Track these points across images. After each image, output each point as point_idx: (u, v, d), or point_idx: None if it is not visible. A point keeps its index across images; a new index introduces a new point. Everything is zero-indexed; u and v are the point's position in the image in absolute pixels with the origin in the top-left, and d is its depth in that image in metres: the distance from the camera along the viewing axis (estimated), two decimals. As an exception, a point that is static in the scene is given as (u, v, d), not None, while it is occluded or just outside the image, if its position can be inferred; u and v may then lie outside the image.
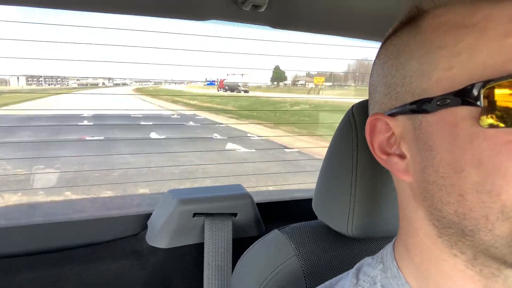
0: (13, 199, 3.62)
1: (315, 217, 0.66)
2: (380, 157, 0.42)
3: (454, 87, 0.33)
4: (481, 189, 0.32)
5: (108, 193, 4.19)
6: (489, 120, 0.31)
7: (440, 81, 0.35)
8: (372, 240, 0.63)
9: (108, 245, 1.01)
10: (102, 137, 7.49)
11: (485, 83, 0.31)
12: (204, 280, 0.94)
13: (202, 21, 0.79)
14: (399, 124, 0.39)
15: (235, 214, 1.00)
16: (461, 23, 0.35)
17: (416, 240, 0.41)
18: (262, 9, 0.73)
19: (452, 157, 0.34)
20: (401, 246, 0.44)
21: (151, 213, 1.05)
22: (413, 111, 0.37)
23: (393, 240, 0.47)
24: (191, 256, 1.01)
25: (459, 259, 0.37)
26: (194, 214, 0.96)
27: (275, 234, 0.66)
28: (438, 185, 0.36)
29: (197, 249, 1.00)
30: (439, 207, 0.36)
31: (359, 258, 0.49)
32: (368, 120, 0.42)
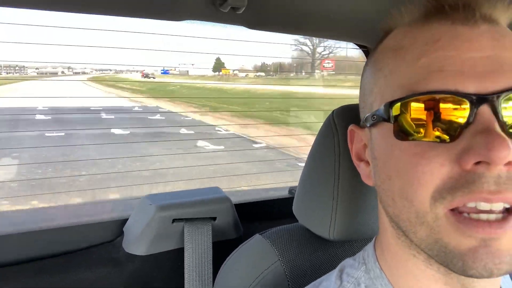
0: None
1: (289, 216, 0.66)
2: (355, 163, 0.47)
3: (381, 105, 0.38)
4: (402, 195, 0.36)
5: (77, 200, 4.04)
6: (400, 134, 0.36)
7: (375, 100, 0.40)
8: (353, 242, 0.64)
9: (83, 253, 0.97)
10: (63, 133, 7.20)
11: (392, 102, 0.36)
12: (185, 285, 0.93)
13: (178, 21, 0.78)
14: (365, 134, 0.44)
15: (214, 218, 0.99)
16: (394, 46, 0.39)
17: (386, 240, 0.44)
18: (240, 11, 0.73)
19: (384, 165, 0.39)
20: (379, 245, 0.46)
21: (127, 219, 1.02)
22: (366, 125, 0.42)
23: (373, 240, 0.49)
24: (170, 262, 0.99)
25: (418, 259, 0.40)
26: (173, 220, 0.94)
27: (257, 239, 0.65)
28: (381, 189, 0.40)
29: (176, 255, 0.98)
30: (385, 208, 0.41)
31: (341, 260, 0.50)
32: (348, 131, 0.47)
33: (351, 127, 0.47)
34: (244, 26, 0.83)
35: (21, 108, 9.56)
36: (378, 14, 0.89)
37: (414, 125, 0.35)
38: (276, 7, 0.78)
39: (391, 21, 0.42)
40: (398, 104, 0.36)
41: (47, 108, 9.65)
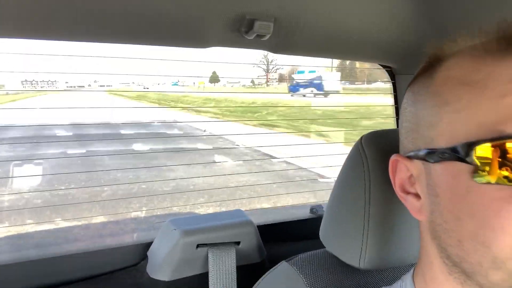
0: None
1: (312, 237, 0.65)
2: (400, 195, 0.44)
3: (453, 142, 0.36)
4: (475, 238, 0.34)
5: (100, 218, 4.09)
6: (480, 177, 0.33)
7: (443, 135, 0.37)
8: (383, 270, 0.62)
9: (107, 278, 0.97)
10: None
11: (475, 143, 0.33)
12: None
13: (204, 48, 0.79)
14: (415, 166, 0.42)
15: (238, 242, 0.98)
16: (465, 79, 0.36)
17: (432, 274, 0.42)
18: (266, 38, 0.73)
19: (452, 205, 0.36)
20: (420, 277, 0.45)
21: (151, 242, 1.02)
22: (422, 158, 0.39)
23: (411, 270, 0.47)
24: (194, 287, 0.98)
25: None
26: (198, 245, 0.94)
27: (283, 266, 0.64)
28: (442, 228, 0.38)
29: (201, 279, 0.97)
30: (444, 247, 0.39)
31: None
32: (391, 160, 0.45)
33: (394, 157, 0.44)
34: (269, 51, 0.83)
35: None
36: (402, 36, 0.89)
37: (499, 168, 0.33)
38: (301, 32, 0.78)
39: (442, 49, 0.40)
40: (485, 145, 0.33)
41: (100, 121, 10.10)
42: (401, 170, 0.43)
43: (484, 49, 0.37)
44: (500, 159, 0.32)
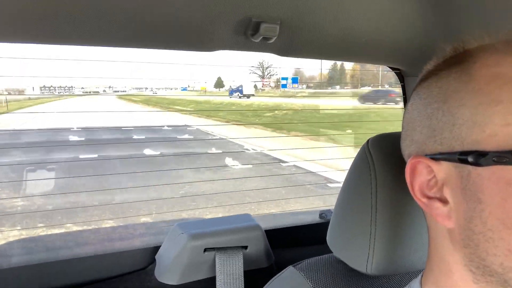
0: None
1: (321, 242, 0.64)
2: (421, 200, 0.40)
3: (502, 145, 0.33)
4: None
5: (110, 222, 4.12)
6: None
7: (495, 136, 0.34)
8: (390, 275, 0.61)
9: (116, 281, 0.97)
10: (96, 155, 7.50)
11: None
12: None
13: (210, 52, 0.79)
14: (443, 169, 0.38)
15: (245, 247, 0.97)
16: (509, 77, 0.34)
17: (450, 282, 0.40)
18: (272, 41, 0.73)
19: (504, 213, 0.33)
20: (431, 285, 0.43)
21: (159, 246, 1.02)
22: (462, 161, 0.36)
23: (419, 276, 0.46)
24: None
25: None
26: (205, 249, 0.93)
27: (290, 271, 0.63)
28: (485, 237, 0.35)
29: (208, 284, 0.97)
30: (483, 257, 0.36)
31: None
32: (410, 162, 0.41)
33: (415, 158, 0.40)
34: (275, 54, 0.83)
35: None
36: (411, 38, 0.88)
37: None
38: (308, 34, 0.78)
39: (469, 44, 0.39)
40: None
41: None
42: (422, 173, 0.40)
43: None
44: None
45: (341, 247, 0.60)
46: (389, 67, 1.08)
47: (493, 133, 0.34)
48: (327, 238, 0.63)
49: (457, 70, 0.38)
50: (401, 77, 1.10)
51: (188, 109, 18.41)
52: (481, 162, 0.34)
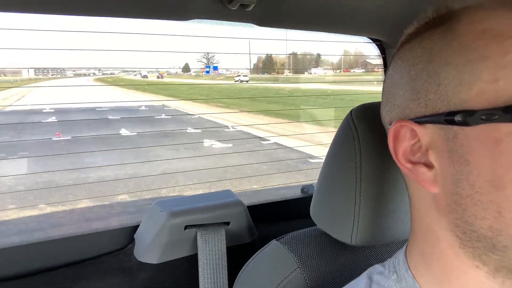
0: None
1: (304, 216, 0.64)
2: (405, 166, 0.39)
3: (501, 102, 0.31)
4: None
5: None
6: None
7: (483, 93, 0.32)
8: (375, 246, 0.61)
9: (93, 262, 0.95)
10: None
11: None
12: None
13: (185, 21, 0.75)
14: (428, 132, 0.36)
15: (227, 223, 0.96)
16: (508, 32, 0.32)
17: (437, 250, 0.39)
18: (250, 8, 0.69)
19: (493, 174, 0.32)
20: (417, 254, 0.42)
21: (137, 226, 1.00)
22: (448, 122, 0.34)
23: (404, 247, 0.45)
24: (184, 269, 0.97)
25: (481, 271, 0.36)
26: (186, 227, 0.91)
27: (274, 245, 0.62)
28: (473, 200, 0.33)
29: (190, 261, 0.96)
30: (470, 221, 0.34)
31: (364, 266, 0.48)
32: (393, 127, 0.39)
33: (398, 123, 0.38)
34: (253, 23, 0.79)
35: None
36: (393, 8, 0.86)
37: None
38: (288, 2, 0.75)
39: (451, 4, 0.37)
40: None
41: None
42: (405, 137, 0.38)
43: (500, 3, 0.33)
44: None
45: (325, 219, 0.59)
46: (370, 38, 1.06)
47: (481, 91, 0.32)
48: (310, 210, 0.62)
49: (442, 29, 0.36)
50: (382, 48, 1.09)
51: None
52: (469, 122, 0.32)
